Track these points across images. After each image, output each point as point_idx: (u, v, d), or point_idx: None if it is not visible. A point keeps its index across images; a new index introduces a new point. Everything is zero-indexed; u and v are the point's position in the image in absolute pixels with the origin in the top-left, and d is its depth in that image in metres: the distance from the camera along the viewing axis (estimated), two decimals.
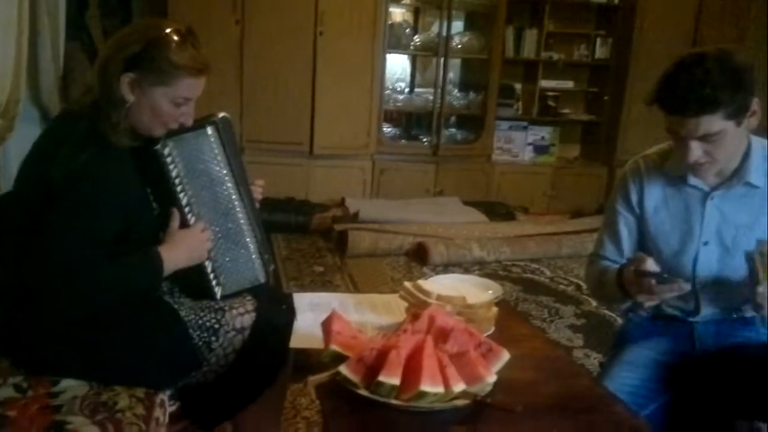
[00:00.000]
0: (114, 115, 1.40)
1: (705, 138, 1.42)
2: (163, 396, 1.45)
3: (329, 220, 4.49)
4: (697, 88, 1.36)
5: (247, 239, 1.61)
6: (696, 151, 1.44)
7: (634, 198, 1.65)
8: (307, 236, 4.42)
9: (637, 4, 5.09)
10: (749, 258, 1.38)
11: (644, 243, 1.65)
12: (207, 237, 1.52)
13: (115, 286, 1.39)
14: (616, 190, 1.71)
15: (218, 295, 1.57)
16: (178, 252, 1.46)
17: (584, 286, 3.55)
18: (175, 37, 1.41)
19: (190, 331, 1.47)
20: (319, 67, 4.67)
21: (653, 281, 1.39)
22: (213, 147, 1.53)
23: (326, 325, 1.32)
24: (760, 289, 1.34)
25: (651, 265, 1.43)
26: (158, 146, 1.47)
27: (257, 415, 1.60)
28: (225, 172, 1.55)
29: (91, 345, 1.41)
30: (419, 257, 4.04)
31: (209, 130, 1.52)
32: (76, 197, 1.34)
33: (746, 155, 1.52)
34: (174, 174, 1.49)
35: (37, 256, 1.32)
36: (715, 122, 1.39)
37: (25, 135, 2.76)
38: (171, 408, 1.49)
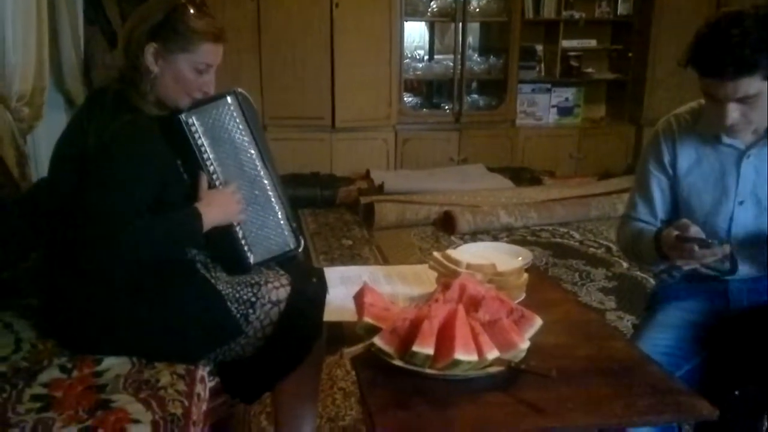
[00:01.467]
0: (142, 85, 1.47)
1: (742, 100, 1.39)
2: (203, 372, 1.49)
3: (355, 193, 4.50)
4: (736, 49, 1.32)
5: (275, 205, 1.64)
6: (733, 113, 1.41)
7: (666, 158, 1.62)
8: (334, 210, 4.45)
9: None
10: None
11: (677, 203, 1.63)
12: (239, 198, 1.57)
13: (159, 238, 1.45)
14: (647, 151, 1.68)
15: (251, 260, 1.61)
16: (212, 209, 1.52)
17: (615, 248, 3.52)
18: (194, 6, 1.49)
19: (228, 303, 1.51)
20: (336, 40, 4.65)
21: (696, 246, 1.37)
22: (234, 115, 1.57)
23: (358, 298, 1.33)
24: None
25: (696, 232, 1.41)
26: (182, 115, 1.52)
27: (295, 387, 1.63)
28: (248, 140, 1.59)
29: (132, 320, 1.46)
30: (446, 226, 4.04)
31: (229, 99, 1.57)
32: (112, 161, 1.40)
33: None
34: (199, 142, 1.54)
35: (81, 219, 1.37)
36: (753, 84, 1.36)
37: (52, 122, 2.81)
38: (210, 383, 1.52)
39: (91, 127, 1.43)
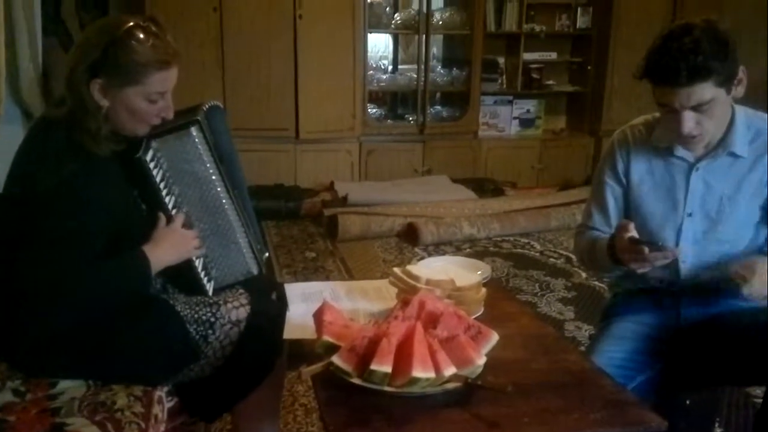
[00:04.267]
0: (92, 123, 1.39)
1: (697, 108, 1.43)
2: (161, 393, 1.48)
3: (319, 204, 4.50)
4: (689, 56, 1.37)
5: (237, 234, 1.62)
6: (689, 121, 1.44)
7: (620, 168, 1.66)
8: (298, 222, 4.44)
9: None
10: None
11: (629, 213, 1.67)
12: (192, 234, 1.52)
13: (103, 292, 1.40)
14: (603, 161, 1.72)
15: (210, 292, 1.59)
16: (161, 250, 1.46)
17: (574, 258, 3.58)
18: (135, 33, 1.37)
19: (187, 325, 1.49)
20: (300, 51, 4.65)
21: (646, 249, 1.41)
22: (197, 147, 1.51)
23: (318, 316, 1.34)
24: (746, 291, 1.39)
25: (632, 230, 1.46)
26: (140, 153, 1.45)
27: (255, 405, 1.62)
28: (211, 170, 1.54)
29: (89, 344, 1.43)
30: (410, 238, 4.06)
31: (193, 131, 1.50)
32: (59, 213, 1.34)
33: (730, 125, 1.54)
34: (159, 177, 1.49)
35: (22, 271, 1.33)
36: (707, 90, 1.40)
37: (8, 135, 2.75)
38: (169, 404, 1.51)
39: (42, 168, 1.36)
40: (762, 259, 1.42)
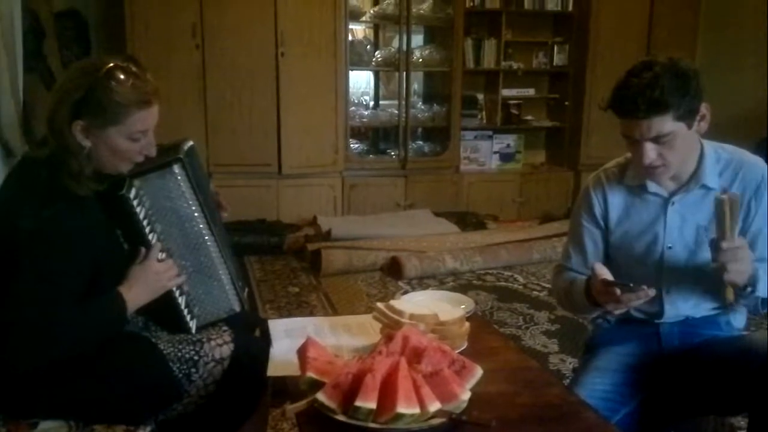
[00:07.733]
0: (74, 164, 1.39)
1: (657, 139, 1.47)
2: None
3: (302, 239, 4.50)
4: (647, 91, 1.43)
5: (220, 271, 1.61)
6: (650, 153, 1.49)
7: (598, 211, 1.69)
8: (281, 257, 4.42)
9: (591, 11, 5.23)
10: (718, 203, 1.42)
11: (610, 252, 1.70)
12: (167, 266, 1.51)
13: (80, 335, 1.38)
14: (579, 204, 1.75)
15: (193, 329, 1.57)
16: (136, 289, 1.46)
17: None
18: (116, 74, 1.39)
19: (170, 363, 1.48)
20: (282, 88, 4.70)
21: (618, 291, 1.43)
22: (180, 184, 1.52)
23: (302, 352, 1.33)
24: (724, 244, 1.39)
25: (605, 272, 1.48)
26: (123, 191, 1.45)
27: None
28: (194, 208, 1.54)
29: (71, 384, 1.40)
30: (393, 272, 4.06)
31: (176, 169, 1.50)
32: (41, 256, 1.33)
33: (701, 159, 1.59)
34: (142, 215, 1.48)
35: (2, 313, 1.31)
36: (666, 123, 1.45)
37: None
38: None
39: (24, 209, 1.36)
40: (744, 248, 1.44)
